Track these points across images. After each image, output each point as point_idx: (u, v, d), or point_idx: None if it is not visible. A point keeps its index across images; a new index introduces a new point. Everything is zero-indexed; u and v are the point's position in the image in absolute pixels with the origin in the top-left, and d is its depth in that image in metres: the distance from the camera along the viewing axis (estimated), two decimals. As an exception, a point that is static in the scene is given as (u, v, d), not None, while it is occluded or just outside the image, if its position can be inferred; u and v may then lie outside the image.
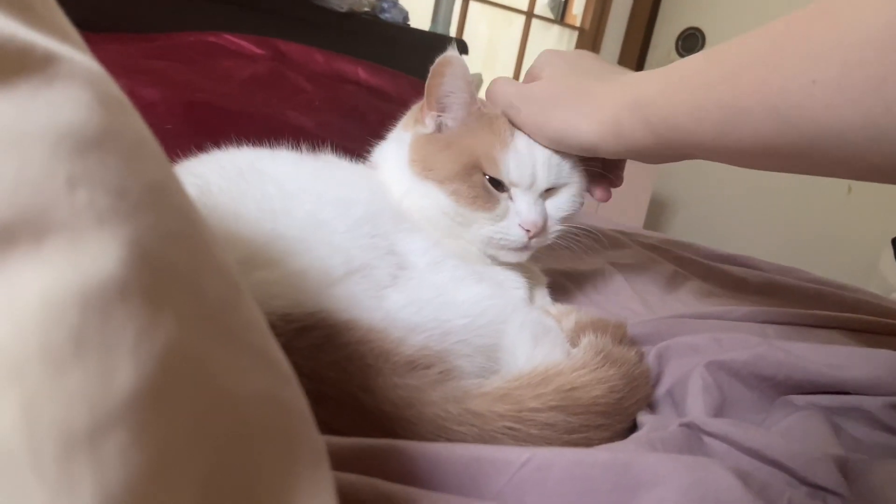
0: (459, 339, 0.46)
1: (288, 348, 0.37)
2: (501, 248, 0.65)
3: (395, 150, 0.71)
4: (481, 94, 0.70)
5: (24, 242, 0.14)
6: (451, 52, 0.62)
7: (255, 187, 0.51)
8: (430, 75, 0.64)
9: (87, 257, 0.15)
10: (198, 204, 0.44)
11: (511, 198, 0.64)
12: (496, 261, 0.73)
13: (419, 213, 0.66)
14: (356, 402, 0.38)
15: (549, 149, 0.62)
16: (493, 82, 0.67)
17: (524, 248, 0.65)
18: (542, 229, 0.64)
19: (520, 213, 0.63)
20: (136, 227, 0.17)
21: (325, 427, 0.36)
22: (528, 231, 0.62)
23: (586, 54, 0.65)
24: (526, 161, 0.64)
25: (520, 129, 0.63)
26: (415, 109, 0.72)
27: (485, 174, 0.62)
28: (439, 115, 0.66)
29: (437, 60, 0.63)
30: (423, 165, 0.65)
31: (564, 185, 0.66)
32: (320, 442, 0.22)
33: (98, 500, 0.13)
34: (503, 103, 0.64)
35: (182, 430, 0.16)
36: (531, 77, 0.65)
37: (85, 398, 0.14)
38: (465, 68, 0.63)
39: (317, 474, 0.20)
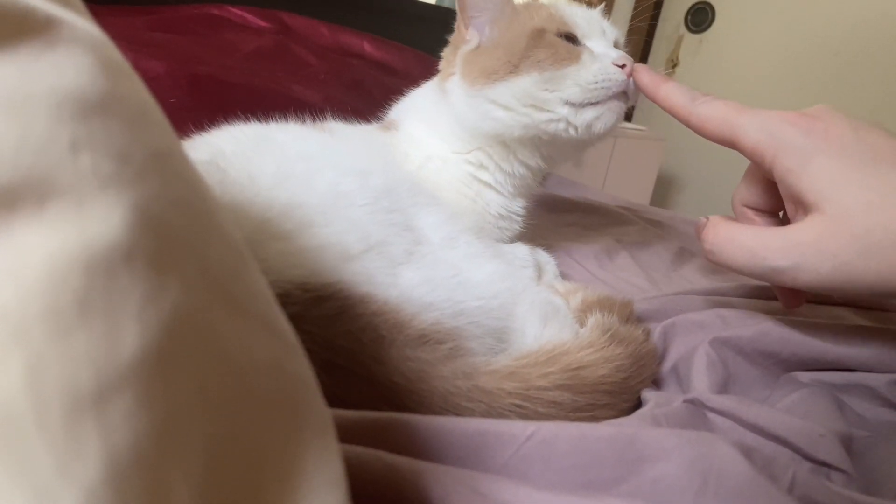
0: (471, 320, 0.46)
1: (303, 317, 0.38)
2: (605, 94, 0.63)
3: (430, 103, 0.74)
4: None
5: (28, 206, 0.14)
6: None
7: (273, 151, 0.51)
8: None
9: (91, 221, 0.15)
10: (209, 167, 0.45)
11: (590, 49, 0.65)
12: (507, 236, 0.74)
13: (483, 137, 0.69)
14: (368, 373, 0.39)
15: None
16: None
17: (624, 93, 0.64)
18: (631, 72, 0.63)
19: (608, 55, 0.64)
20: (141, 192, 0.17)
21: (336, 398, 0.36)
22: (622, 67, 0.62)
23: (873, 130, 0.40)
24: (587, 13, 0.68)
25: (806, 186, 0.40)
26: (446, 56, 0.74)
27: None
28: (478, 22, 0.68)
29: None
30: (485, 73, 0.66)
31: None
32: (326, 412, 0.22)
33: (105, 462, 0.13)
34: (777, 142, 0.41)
35: (188, 394, 0.16)
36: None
37: (90, 361, 0.13)
38: None
39: (323, 443, 0.20)
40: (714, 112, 0.45)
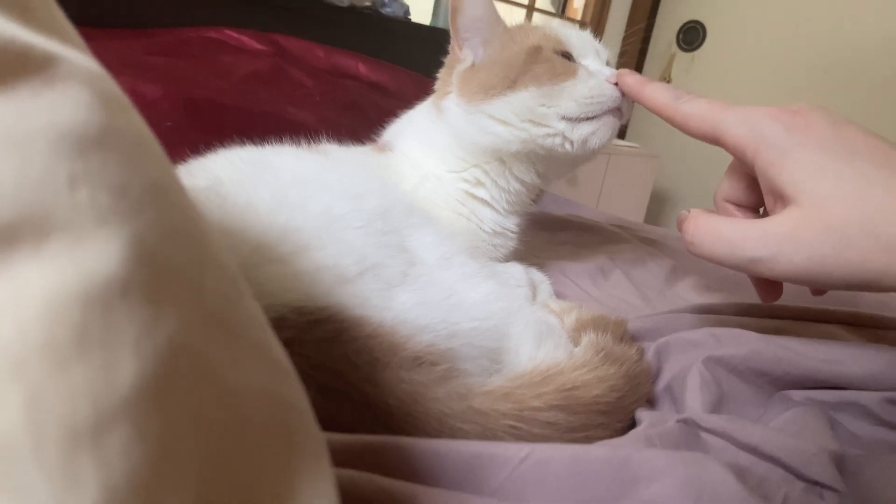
0: (466, 341, 0.46)
1: (299, 340, 0.38)
2: (599, 109, 0.65)
3: (426, 122, 0.75)
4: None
5: (27, 242, 0.15)
6: None
7: (268, 177, 0.51)
8: (450, 12, 0.69)
9: (88, 256, 0.15)
10: (208, 194, 0.45)
11: (586, 66, 0.67)
12: (500, 256, 0.75)
13: (481, 152, 0.71)
14: (362, 396, 0.39)
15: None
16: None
17: (618, 108, 0.66)
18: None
19: (602, 72, 0.66)
20: (137, 225, 0.17)
21: (331, 421, 0.36)
22: (616, 85, 0.64)
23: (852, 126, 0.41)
24: (580, 33, 0.70)
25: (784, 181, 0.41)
26: (442, 76, 0.76)
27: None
28: (472, 43, 0.70)
29: None
30: (482, 89, 0.67)
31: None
32: (320, 437, 0.22)
33: (102, 493, 0.13)
34: (758, 136, 0.42)
35: (183, 423, 0.16)
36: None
37: (88, 394, 0.14)
38: None
39: (317, 468, 0.21)
40: (697, 109, 0.46)
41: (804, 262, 0.38)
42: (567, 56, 0.67)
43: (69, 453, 0.13)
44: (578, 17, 3.19)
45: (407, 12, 1.82)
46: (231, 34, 1.20)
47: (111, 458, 0.14)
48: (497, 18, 0.69)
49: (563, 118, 0.65)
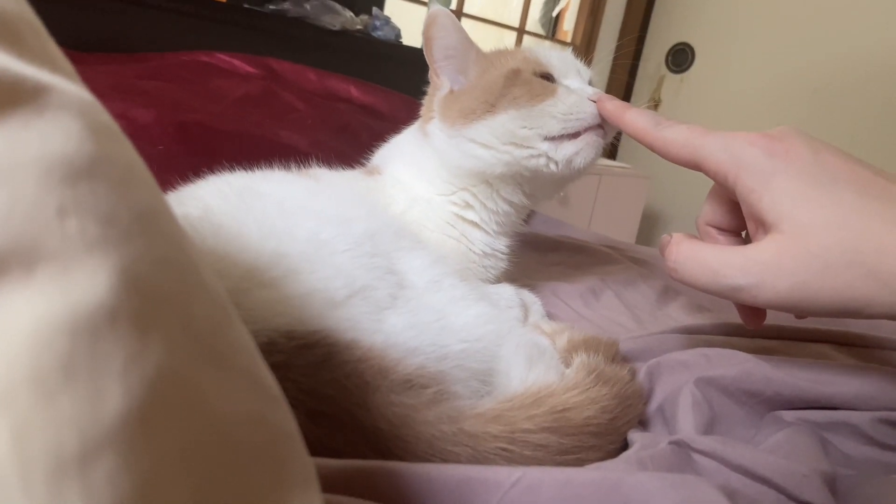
0: (456, 363, 0.46)
1: (289, 366, 0.38)
2: (580, 125, 0.65)
3: (414, 146, 0.76)
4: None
5: (16, 271, 0.15)
6: (434, 7, 0.67)
7: (256, 207, 0.52)
8: (423, 41, 0.69)
9: (76, 285, 0.15)
10: (201, 223, 0.45)
11: (567, 86, 0.67)
12: (490, 278, 0.75)
13: (467, 175, 0.71)
14: (353, 420, 0.39)
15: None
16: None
17: (600, 126, 0.66)
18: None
19: (584, 90, 0.66)
20: (126, 253, 0.17)
21: (322, 446, 0.36)
22: (596, 103, 0.64)
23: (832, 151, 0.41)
24: (561, 54, 0.71)
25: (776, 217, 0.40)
26: (426, 102, 0.77)
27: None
28: (448, 70, 0.71)
29: (424, 23, 0.68)
30: (463, 114, 0.68)
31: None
32: (309, 463, 0.22)
33: (87, 525, 0.13)
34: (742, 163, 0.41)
35: (170, 452, 0.16)
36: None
37: (74, 424, 0.14)
38: (452, 19, 0.67)
39: (306, 495, 0.20)
40: (678, 135, 0.46)
41: (787, 290, 0.38)
42: (548, 77, 0.68)
43: (55, 483, 0.13)
44: (568, 40, 3.23)
45: (398, 35, 1.84)
46: (223, 58, 1.20)
47: (98, 488, 0.14)
48: (469, 45, 0.70)
49: (546, 138, 0.65)
